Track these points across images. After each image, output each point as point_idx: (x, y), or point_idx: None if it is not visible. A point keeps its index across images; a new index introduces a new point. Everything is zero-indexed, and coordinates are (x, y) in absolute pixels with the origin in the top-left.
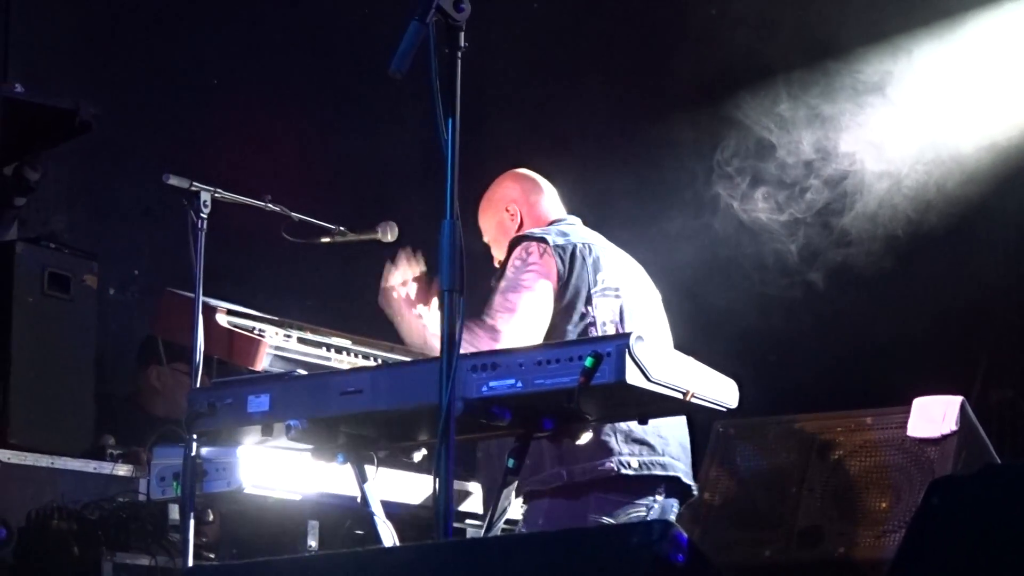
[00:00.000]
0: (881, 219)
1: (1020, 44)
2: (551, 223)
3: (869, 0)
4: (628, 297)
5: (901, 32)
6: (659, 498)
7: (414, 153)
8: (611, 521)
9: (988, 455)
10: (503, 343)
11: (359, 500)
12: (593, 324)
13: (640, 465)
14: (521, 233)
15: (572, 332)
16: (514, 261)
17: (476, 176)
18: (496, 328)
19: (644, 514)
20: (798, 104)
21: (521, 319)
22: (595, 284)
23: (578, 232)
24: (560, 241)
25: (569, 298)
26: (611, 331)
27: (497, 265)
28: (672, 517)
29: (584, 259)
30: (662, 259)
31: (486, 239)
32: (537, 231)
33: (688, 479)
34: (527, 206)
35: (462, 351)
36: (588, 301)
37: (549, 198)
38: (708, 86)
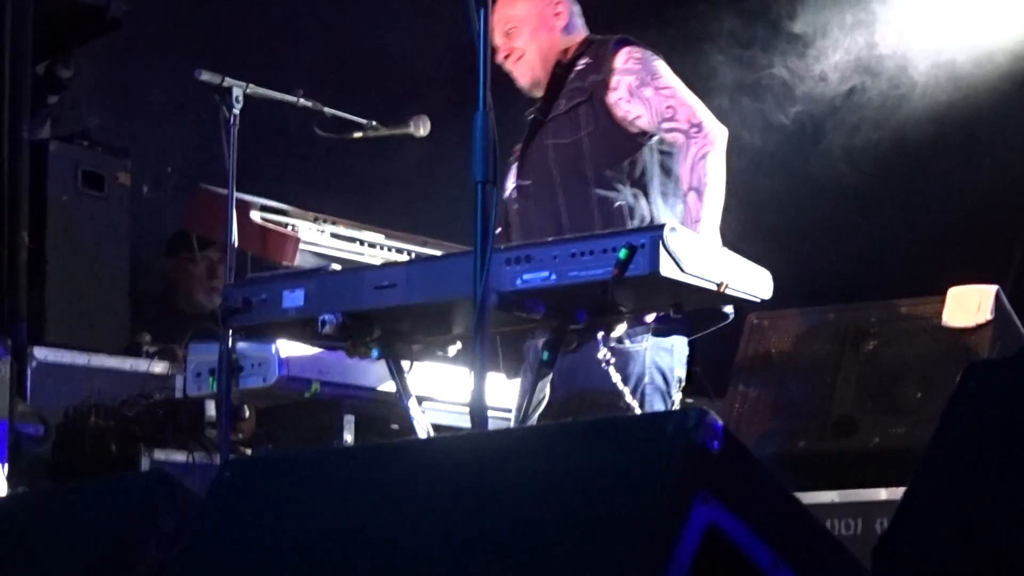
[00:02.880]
0: (916, 108)
1: None
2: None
3: None
4: None
5: None
6: None
7: (445, 46)
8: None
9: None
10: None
11: (395, 394)
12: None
13: None
14: (614, 37)
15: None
16: (640, 56)
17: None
18: (712, 126)
19: None
20: None
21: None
22: None
23: None
24: None
25: None
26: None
27: (503, 59)
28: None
29: None
30: None
31: (507, 27)
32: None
33: None
34: (572, 15)
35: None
36: None
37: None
38: None
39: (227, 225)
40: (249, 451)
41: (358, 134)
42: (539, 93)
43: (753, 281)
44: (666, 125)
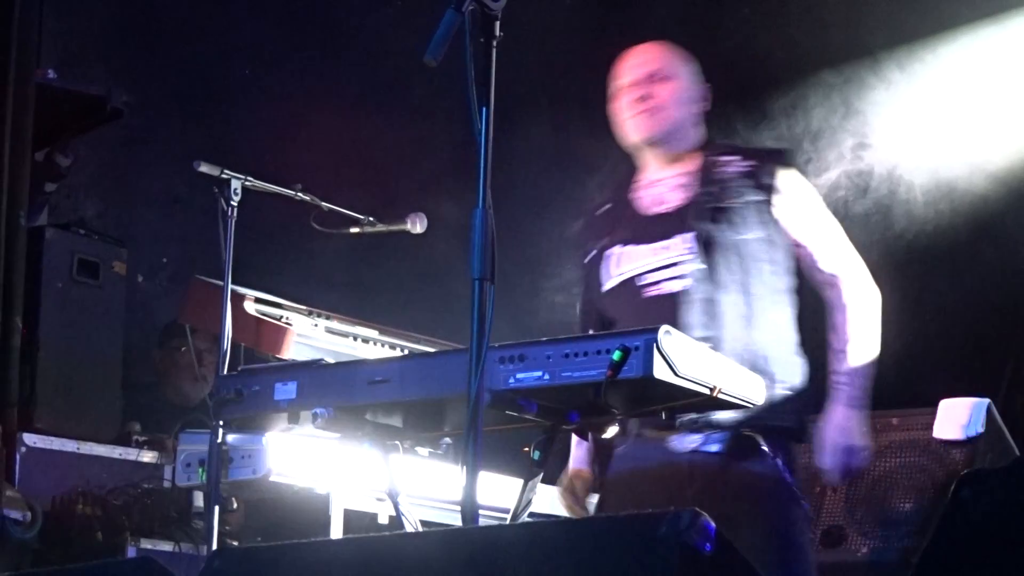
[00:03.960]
0: (909, 220)
1: None
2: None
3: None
4: None
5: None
6: None
7: (445, 144)
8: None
9: (1013, 457)
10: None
11: (385, 489)
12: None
13: None
14: (783, 147)
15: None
16: (808, 187)
17: (506, 169)
18: (871, 282)
19: None
20: (821, 99)
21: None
22: None
23: None
24: None
25: None
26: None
27: (631, 99)
28: None
29: None
30: None
31: (655, 70)
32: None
33: None
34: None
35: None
36: None
37: None
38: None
39: (222, 316)
40: (236, 543)
41: (355, 229)
42: (650, 153)
43: (746, 386)
44: (825, 266)
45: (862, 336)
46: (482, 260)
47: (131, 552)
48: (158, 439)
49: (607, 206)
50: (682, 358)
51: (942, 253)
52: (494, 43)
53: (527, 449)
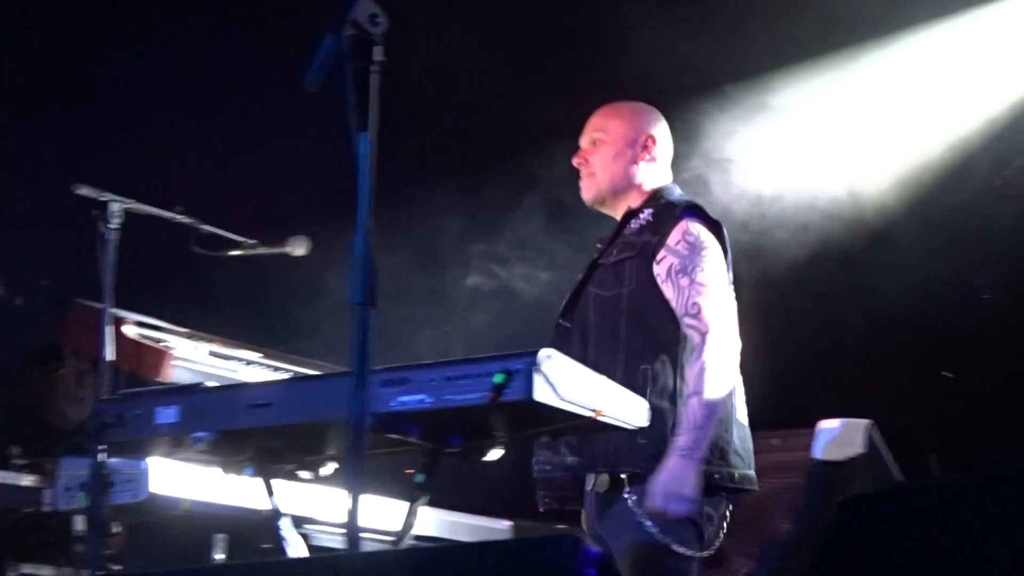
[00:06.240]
0: (787, 239)
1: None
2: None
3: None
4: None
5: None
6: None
7: (326, 168)
8: None
9: (893, 478)
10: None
11: (268, 513)
12: None
13: (740, 478)
14: (684, 202)
15: None
16: (693, 241)
17: (388, 192)
18: (724, 340)
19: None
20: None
21: (730, 316)
22: (730, 278)
23: None
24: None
25: None
26: None
27: (576, 163)
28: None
29: (728, 247)
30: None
31: (594, 136)
32: (701, 207)
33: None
34: (663, 154)
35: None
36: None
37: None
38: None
39: (101, 340)
40: (118, 567)
41: (236, 252)
42: (604, 211)
43: (629, 409)
44: (687, 320)
45: (708, 394)
46: (363, 284)
47: None
48: (38, 462)
49: (598, 244)
50: (564, 381)
51: (822, 276)
52: (373, 68)
53: (410, 472)
